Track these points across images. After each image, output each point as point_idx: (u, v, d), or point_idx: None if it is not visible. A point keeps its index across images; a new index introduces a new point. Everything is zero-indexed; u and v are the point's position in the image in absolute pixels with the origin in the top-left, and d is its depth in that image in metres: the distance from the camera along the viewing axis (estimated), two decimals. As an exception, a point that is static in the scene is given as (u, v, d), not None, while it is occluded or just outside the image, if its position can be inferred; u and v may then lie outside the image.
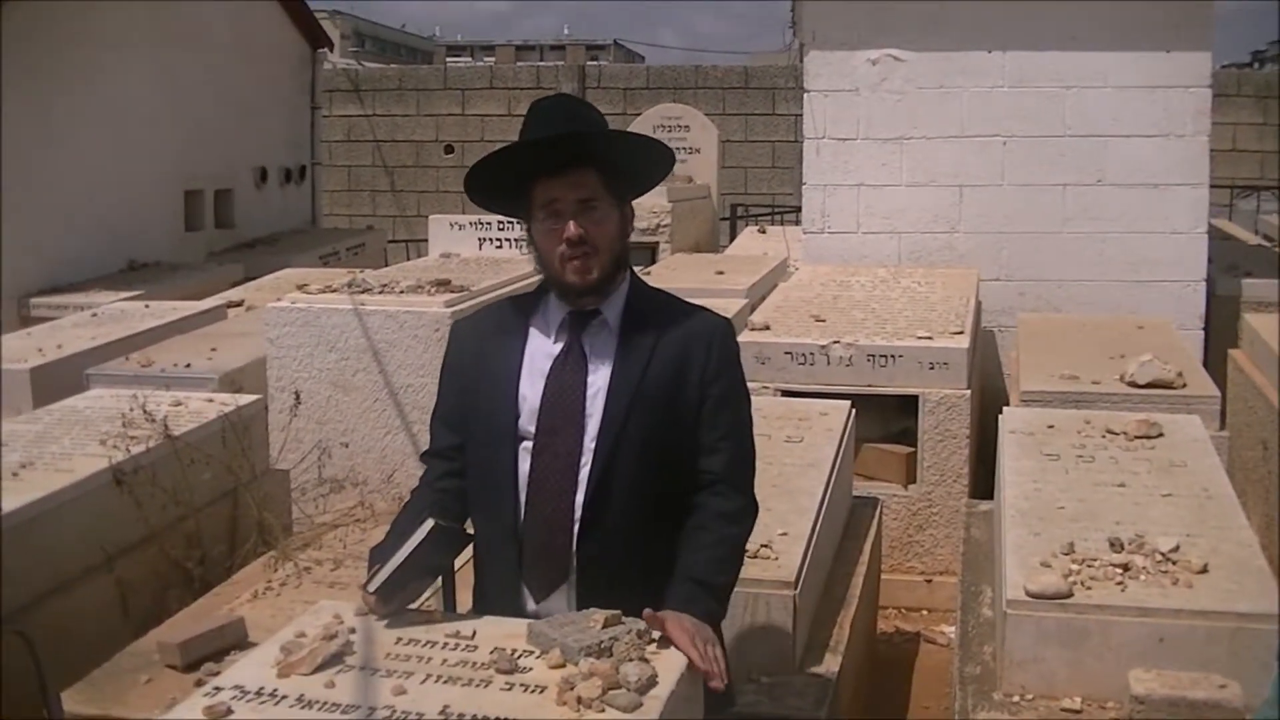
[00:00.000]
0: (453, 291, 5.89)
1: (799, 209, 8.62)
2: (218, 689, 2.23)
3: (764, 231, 11.71)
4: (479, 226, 9.52)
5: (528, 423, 2.54)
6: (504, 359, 2.61)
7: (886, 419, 5.82)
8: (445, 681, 2.21)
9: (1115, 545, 3.32)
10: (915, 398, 5.67)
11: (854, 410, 5.00)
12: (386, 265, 10.07)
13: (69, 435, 4.79)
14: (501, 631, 2.38)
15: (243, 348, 6.46)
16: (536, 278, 2.67)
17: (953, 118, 7.64)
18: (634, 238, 2.77)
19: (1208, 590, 3.08)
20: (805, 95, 7.85)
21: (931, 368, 5.67)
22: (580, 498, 2.50)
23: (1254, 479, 5.71)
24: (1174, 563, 3.21)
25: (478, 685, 2.19)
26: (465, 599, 2.71)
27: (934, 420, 5.63)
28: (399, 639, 2.37)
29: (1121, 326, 6.61)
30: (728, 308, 6.06)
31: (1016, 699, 3.04)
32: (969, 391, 5.67)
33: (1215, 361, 6.72)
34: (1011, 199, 7.64)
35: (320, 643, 2.30)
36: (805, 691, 3.35)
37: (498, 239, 9.37)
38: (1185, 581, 3.12)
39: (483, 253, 9.00)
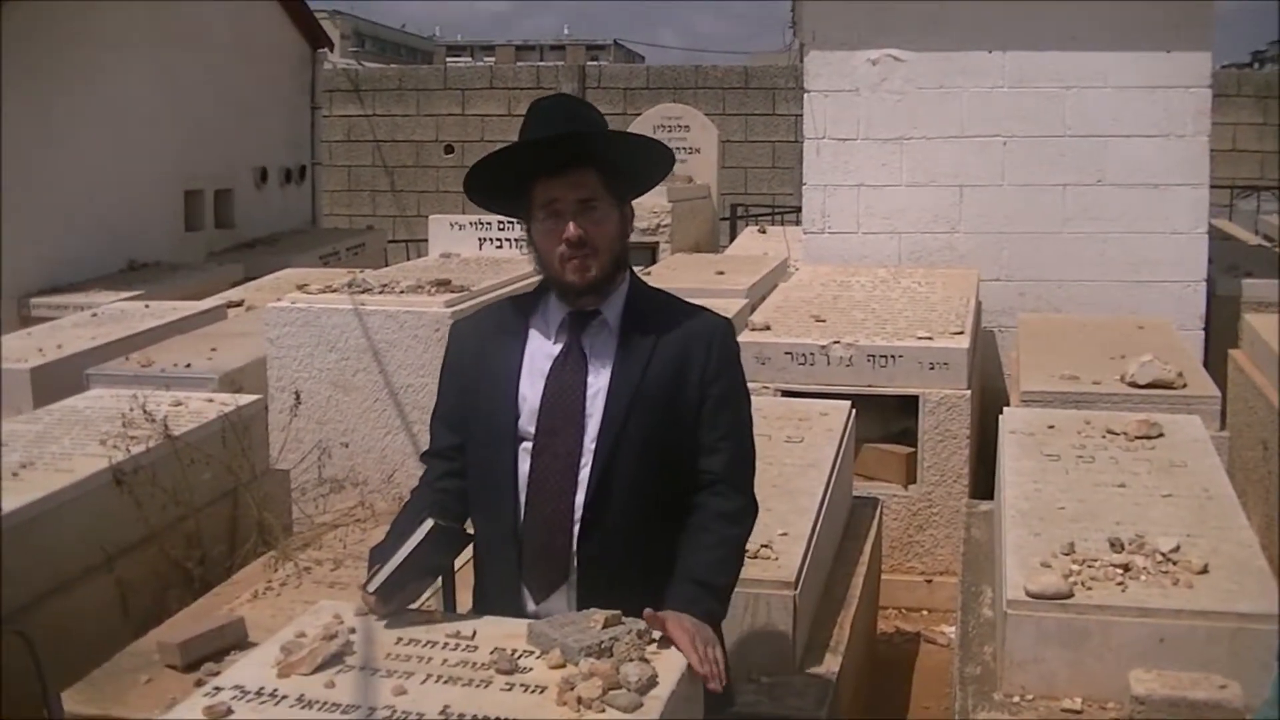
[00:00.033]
0: (453, 291, 5.89)
1: (799, 209, 8.62)
2: (218, 689, 2.23)
3: (764, 231, 11.71)
4: (479, 226, 9.52)
5: (528, 423, 2.54)
6: (504, 359, 2.60)
7: (887, 419, 5.82)
8: (445, 682, 2.21)
9: (1115, 545, 3.32)
10: (915, 398, 5.66)
11: (854, 410, 5.00)
12: (386, 265, 10.06)
13: (69, 435, 4.79)
14: (502, 632, 2.38)
15: (243, 348, 6.46)
16: (537, 278, 2.67)
17: (953, 118, 7.64)
18: (634, 238, 2.77)
19: (1208, 590, 3.08)
20: (805, 95, 7.84)
21: (932, 368, 5.67)
22: (580, 498, 2.50)
23: (1254, 479, 5.71)
24: (1174, 563, 3.21)
25: (478, 685, 2.19)
26: (465, 599, 2.71)
27: (934, 420, 5.63)
28: (399, 639, 2.37)
29: (1122, 327, 6.61)
30: (728, 308, 6.06)
31: (1017, 699, 3.04)
32: (969, 392, 5.67)
33: (1215, 362, 6.71)
34: (1012, 199, 7.64)
35: (320, 643, 2.30)
36: (805, 692, 3.35)
37: (498, 239, 9.38)
38: (1186, 582, 3.12)
39: (483, 253, 9.00)
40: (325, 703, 2.15)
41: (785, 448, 4.48)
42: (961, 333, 5.92)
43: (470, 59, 52.92)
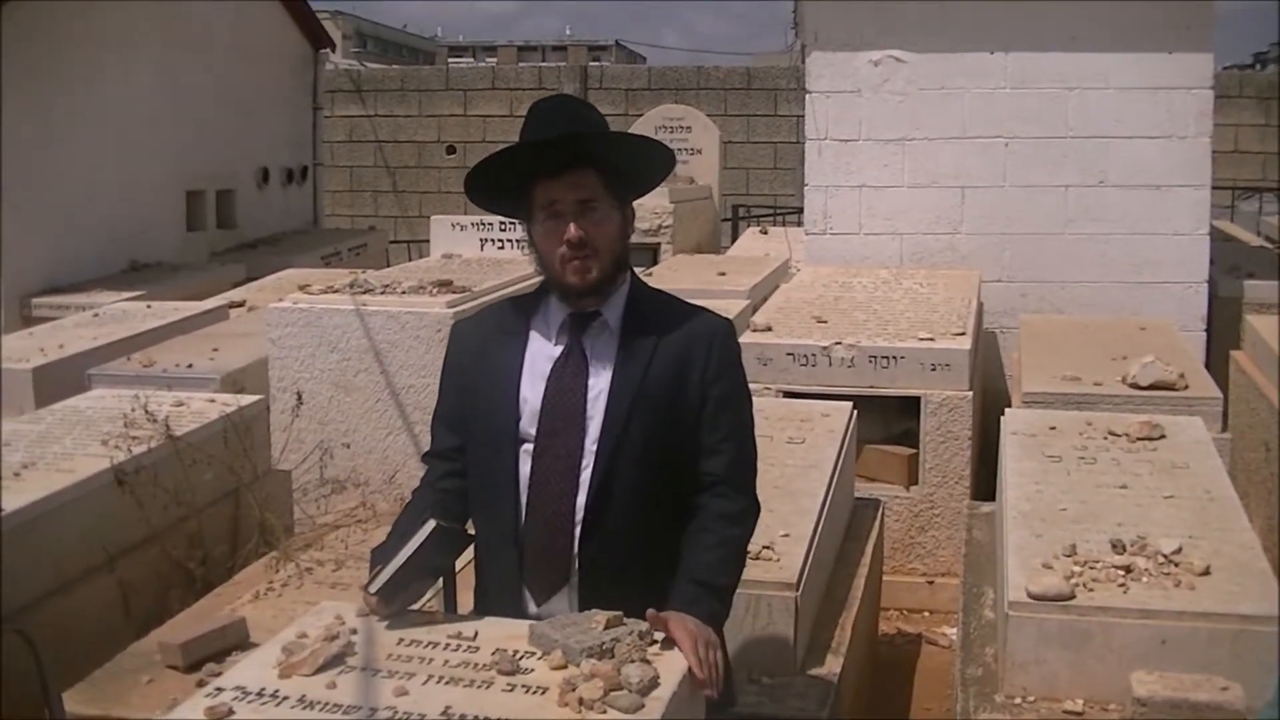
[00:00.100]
0: (454, 292, 5.89)
1: (801, 210, 8.63)
2: (219, 689, 2.23)
3: (766, 232, 11.70)
4: (481, 227, 9.52)
5: (528, 425, 2.54)
6: (505, 360, 2.60)
7: (888, 420, 5.82)
8: (447, 682, 2.21)
9: (1117, 547, 3.32)
10: (917, 399, 5.66)
11: (856, 411, 5.00)
12: (388, 266, 10.07)
13: (71, 435, 4.79)
14: (503, 632, 2.38)
15: (244, 348, 6.46)
16: (538, 279, 2.67)
17: (955, 119, 7.64)
18: (636, 239, 2.77)
19: (1210, 592, 3.08)
20: (807, 96, 7.84)
21: (933, 369, 5.67)
22: (581, 500, 2.50)
23: (1256, 481, 5.70)
24: (1176, 564, 3.21)
25: (479, 686, 2.19)
26: (466, 600, 2.71)
27: (936, 422, 5.63)
28: (400, 640, 2.37)
29: (1123, 328, 6.61)
30: (729, 309, 6.06)
31: (1018, 701, 3.04)
32: (971, 393, 5.67)
33: (1217, 363, 6.71)
34: (1013, 200, 7.63)
35: (322, 643, 2.30)
36: (807, 693, 3.35)
37: (499, 240, 9.38)
38: (1187, 583, 3.12)
39: (484, 253, 9.00)
40: (327, 703, 2.15)
41: (787, 449, 4.47)
42: (963, 334, 5.92)
43: (472, 59, 52.96)
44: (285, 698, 2.18)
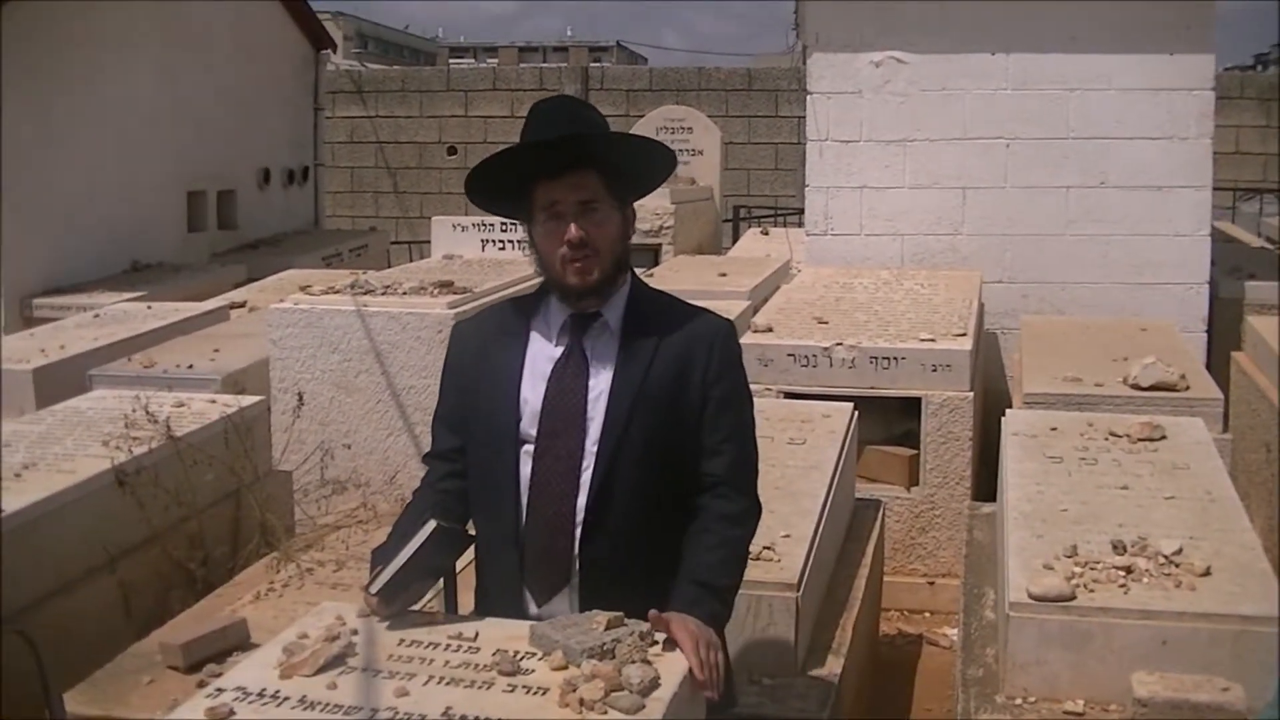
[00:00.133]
0: (455, 293, 5.89)
1: (802, 211, 8.63)
2: (220, 690, 2.23)
3: (767, 233, 11.70)
4: (482, 228, 9.53)
5: (529, 426, 2.54)
6: (505, 361, 2.60)
7: (889, 421, 5.82)
8: (448, 683, 2.21)
9: (1118, 548, 3.32)
10: (918, 400, 5.66)
11: (857, 412, 5.00)
12: (389, 266, 10.06)
13: (71, 436, 4.79)
14: (504, 633, 2.38)
15: (245, 349, 6.46)
16: (539, 279, 2.67)
17: (956, 120, 7.64)
18: (637, 239, 2.77)
19: (1211, 593, 3.08)
20: (808, 97, 7.85)
21: (934, 370, 5.67)
22: (582, 501, 2.50)
23: (1257, 481, 5.70)
24: (1177, 565, 3.21)
25: (480, 687, 2.19)
26: (467, 601, 2.71)
27: (937, 422, 5.63)
28: (401, 640, 2.37)
29: (1124, 329, 6.61)
30: (730, 309, 6.06)
31: (1019, 701, 3.04)
32: (972, 394, 5.66)
33: (1218, 364, 6.71)
34: (1015, 201, 7.64)
35: (323, 644, 2.30)
36: (808, 694, 3.35)
37: (500, 240, 9.39)
38: (1188, 584, 3.12)
39: (485, 254, 9.00)
40: (327, 704, 2.15)
41: (787, 449, 4.47)
42: (964, 335, 5.92)
43: (473, 60, 53.02)
44: (286, 698, 2.18)
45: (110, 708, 3.17)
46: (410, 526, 2.51)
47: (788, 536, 3.72)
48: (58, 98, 10.19)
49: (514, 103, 18.82)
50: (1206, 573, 3.17)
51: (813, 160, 7.85)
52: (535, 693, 2.16)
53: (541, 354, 2.59)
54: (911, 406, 5.70)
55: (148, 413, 4.81)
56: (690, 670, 2.24)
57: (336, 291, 5.92)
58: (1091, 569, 3.21)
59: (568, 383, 2.54)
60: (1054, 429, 4.41)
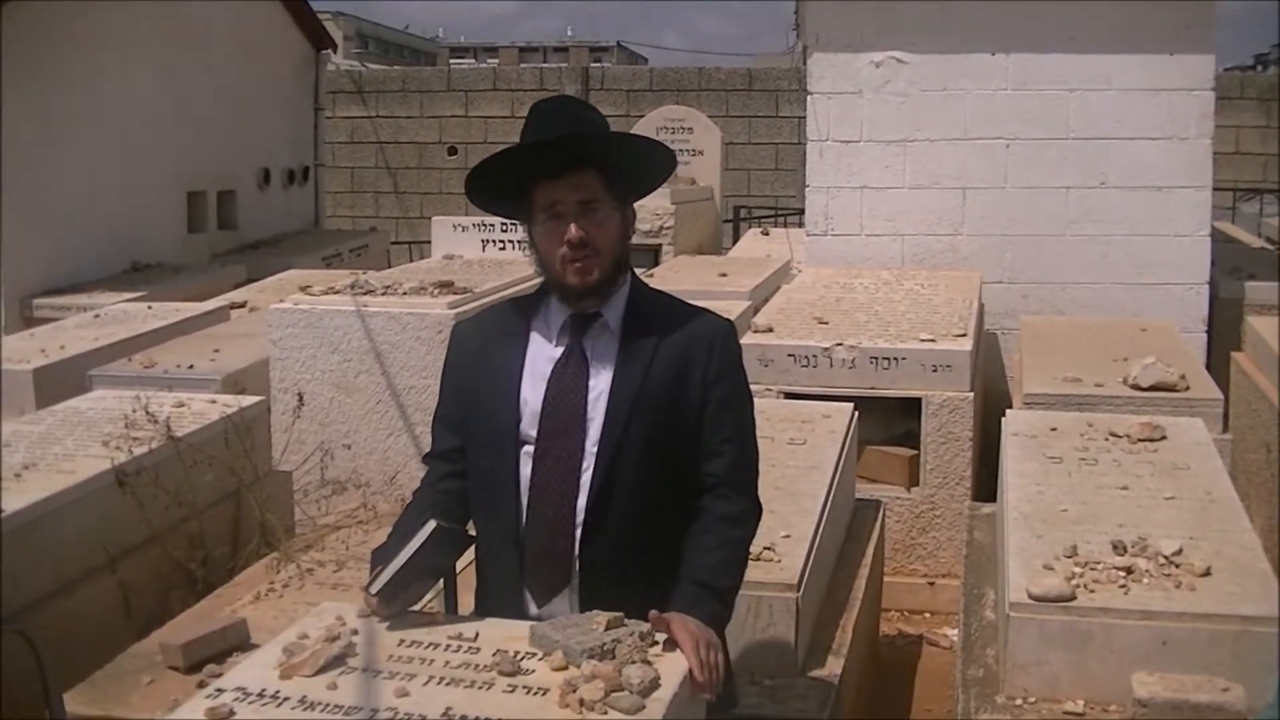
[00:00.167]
0: (456, 293, 5.89)
1: (802, 211, 8.63)
2: (220, 690, 2.23)
3: (767, 233, 11.70)
4: (482, 228, 9.53)
5: (529, 426, 2.54)
6: (505, 362, 2.60)
7: (889, 421, 5.82)
8: (448, 683, 2.21)
9: (1118, 548, 3.32)
10: (918, 400, 5.66)
11: (857, 413, 5.00)
12: (389, 267, 10.06)
13: (71, 436, 4.79)
14: (504, 633, 2.38)
15: (245, 349, 6.46)
16: (539, 280, 2.67)
17: (956, 120, 7.64)
18: (637, 240, 2.77)
19: (1211, 593, 3.08)
20: (808, 97, 7.85)
21: (934, 370, 5.67)
22: (582, 502, 2.50)
23: (1257, 482, 5.70)
24: (1177, 566, 3.21)
25: (480, 687, 2.19)
26: (467, 601, 2.71)
27: (937, 423, 5.63)
28: (401, 641, 2.37)
29: (1124, 329, 6.61)
30: (731, 310, 6.06)
31: (1019, 702, 3.04)
32: (972, 394, 5.66)
33: (1218, 364, 6.71)
34: (1015, 201, 7.64)
35: (323, 644, 2.30)
36: (808, 694, 3.35)
37: (501, 240, 9.39)
38: (1188, 584, 3.12)
39: (486, 254, 9.01)
40: (328, 704, 2.15)
41: (788, 450, 4.47)
42: (964, 335, 5.92)
43: (473, 60, 53.05)
44: (286, 698, 2.18)
45: (110, 708, 3.17)
46: (410, 527, 2.51)
47: (788, 537, 3.72)
48: (58, 98, 10.19)
49: (514, 103, 18.82)
50: (1206, 573, 3.17)
51: (813, 160, 7.85)
52: (535, 693, 2.16)
53: (541, 354, 2.59)
54: (912, 407, 5.70)
55: (148, 413, 4.80)
56: (690, 671, 2.24)
57: (336, 292, 5.93)
58: (1091, 569, 3.21)
59: (568, 383, 2.54)
60: (1054, 429, 4.41)
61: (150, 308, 8.19)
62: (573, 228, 2.50)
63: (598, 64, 29.47)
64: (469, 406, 2.65)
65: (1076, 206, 7.56)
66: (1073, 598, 3.06)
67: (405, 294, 5.88)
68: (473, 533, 2.66)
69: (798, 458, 4.41)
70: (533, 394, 2.55)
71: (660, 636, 2.29)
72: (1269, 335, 6.10)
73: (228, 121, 12.60)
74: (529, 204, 2.57)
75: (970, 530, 4.43)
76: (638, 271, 2.72)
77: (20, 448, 4.62)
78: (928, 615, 5.55)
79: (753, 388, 2.73)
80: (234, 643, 3.39)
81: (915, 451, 5.68)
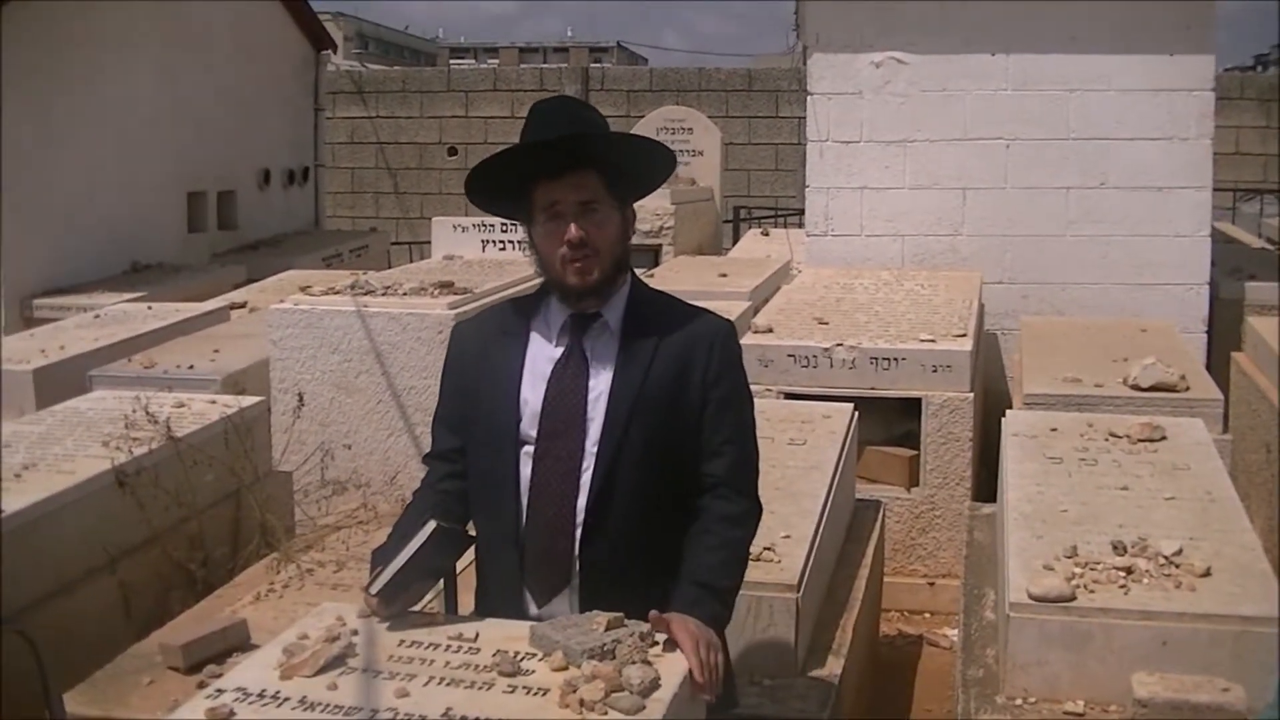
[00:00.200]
0: (456, 293, 5.89)
1: (802, 211, 8.63)
2: (220, 691, 2.23)
3: (767, 234, 11.70)
4: (482, 229, 9.54)
5: (529, 427, 2.54)
6: (505, 362, 2.60)
7: (889, 422, 5.82)
8: (448, 684, 2.21)
9: (1118, 548, 3.32)
10: (918, 400, 5.66)
11: (857, 413, 5.00)
12: (389, 267, 10.06)
13: (71, 436, 4.79)
14: (504, 634, 2.38)
15: (246, 349, 6.46)
16: (539, 280, 2.67)
17: (956, 120, 7.64)
18: (637, 240, 2.77)
19: (1211, 593, 3.08)
20: (808, 98, 7.85)
21: (934, 370, 5.67)
22: (582, 502, 2.50)
23: (1257, 482, 5.70)
24: (1177, 566, 3.21)
25: (480, 687, 2.19)
26: (467, 601, 2.71)
27: (937, 423, 5.63)
28: (401, 641, 2.37)
29: (1124, 329, 6.61)
30: (731, 310, 6.05)
31: (1019, 702, 3.04)
32: (972, 394, 5.66)
33: (1218, 365, 6.71)
34: (1015, 202, 7.63)
35: (323, 645, 2.30)
36: (808, 694, 3.35)
37: (501, 241, 9.39)
38: (1188, 585, 3.12)
39: (486, 255, 9.01)
40: (328, 705, 2.15)
41: (788, 450, 4.47)
42: (964, 335, 5.92)
43: (473, 61, 53.09)
44: (286, 699, 2.18)
45: (110, 708, 3.17)
46: (410, 527, 2.51)
47: (788, 537, 3.72)
48: (58, 98, 10.19)
49: (514, 103, 18.82)
50: (1206, 573, 3.17)
51: (813, 161, 7.85)
52: (535, 693, 2.16)
53: (541, 354, 2.59)
54: (912, 407, 5.70)
55: (148, 413, 4.80)
56: (690, 671, 2.24)
57: (337, 292, 5.93)
58: (1091, 569, 3.21)
59: (568, 383, 2.54)
60: (1054, 430, 4.41)
61: (150, 308, 8.19)
62: (573, 228, 2.50)
63: (598, 64, 29.50)
64: (469, 407, 2.65)
65: (1076, 207, 7.56)
66: (1073, 598, 3.06)
67: (405, 294, 5.88)
68: (473, 533, 2.66)
69: (798, 458, 4.41)
70: (533, 394, 2.55)
71: (660, 637, 2.29)
72: (1269, 335, 6.10)
73: (228, 122, 12.60)
74: (529, 204, 2.57)
75: (970, 530, 4.43)
76: (638, 271, 2.72)
77: (20, 448, 4.62)
78: (928, 615, 5.55)
79: (753, 388, 2.73)
80: (234, 643, 3.39)
81: (915, 452, 5.68)
